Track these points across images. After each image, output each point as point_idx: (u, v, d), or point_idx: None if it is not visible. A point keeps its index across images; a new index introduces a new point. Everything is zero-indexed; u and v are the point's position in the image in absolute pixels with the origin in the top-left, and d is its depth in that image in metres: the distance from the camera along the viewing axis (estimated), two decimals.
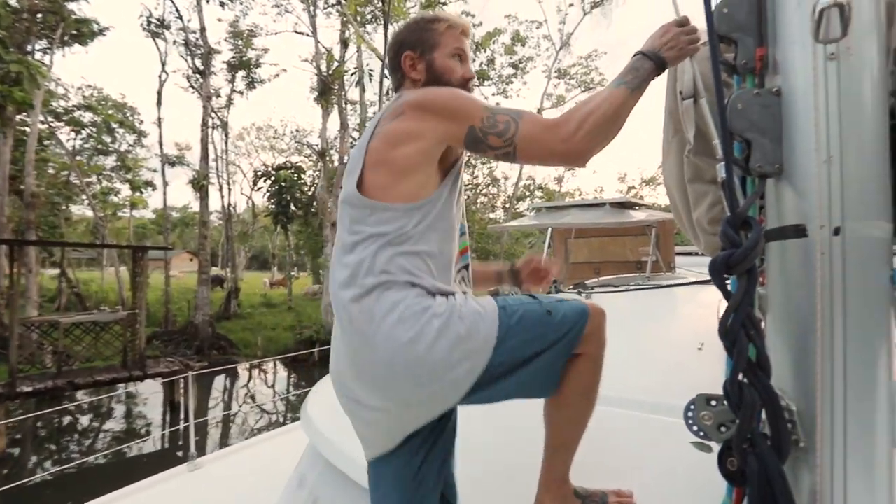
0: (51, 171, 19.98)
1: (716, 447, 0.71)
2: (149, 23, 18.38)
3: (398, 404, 0.93)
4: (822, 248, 0.63)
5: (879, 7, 0.67)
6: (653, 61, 0.95)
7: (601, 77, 23.18)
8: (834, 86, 0.64)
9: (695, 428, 0.73)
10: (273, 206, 20.37)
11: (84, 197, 20.43)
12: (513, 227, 8.15)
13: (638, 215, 5.19)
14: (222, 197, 27.22)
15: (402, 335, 0.88)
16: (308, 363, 14.57)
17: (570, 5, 21.34)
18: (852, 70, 0.64)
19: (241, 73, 21.20)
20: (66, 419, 10.47)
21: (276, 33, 21.89)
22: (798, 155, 0.67)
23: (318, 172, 19.95)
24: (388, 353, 0.88)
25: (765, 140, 0.69)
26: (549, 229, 5.65)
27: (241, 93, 21.78)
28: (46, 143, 18.92)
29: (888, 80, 0.67)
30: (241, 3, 18.73)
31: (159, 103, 19.03)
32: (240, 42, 20.12)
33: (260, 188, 20.95)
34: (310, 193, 20.45)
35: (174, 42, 18.85)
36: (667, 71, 1.09)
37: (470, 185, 23.85)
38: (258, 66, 20.99)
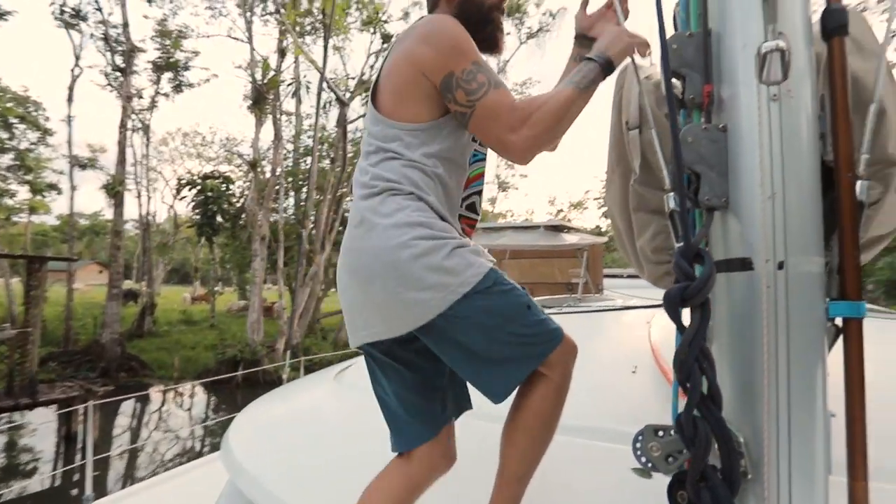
0: None
1: (657, 474, 0.70)
2: (62, 12, 16.91)
3: (363, 301, 0.97)
4: (768, 281, 0.64)
5: (812, 54, 0.72)
6: (597, 62, 0.99)
7: None
8: (777, 125, 0.67)
9: (643, 459, 0.72)
10: (198, 217, 19.22)
11: None
12: None
13: (570, 239, 5.39)
14: (140, 205, 25.27)
15: (394, 238, 0.92)
16: (231, 385, 13.64)
17: (507, 34, 22.22)
18: (792, 111, 0.67)
19: (167, 75, 20.03)
20: None
21: (208, 36, 20.99)
22: (743, 189, 0.69)
23: (248, 183, 19.09)
24: (374, 249, 0.93)
25: (713, 174, 0.71)
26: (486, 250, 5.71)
27: (166, 95, 20.54)
28: None
29: (817, 123, 0.72)
30: (170, 2, 17.78)
31: (70, 100, 17.49)
32: (167, 42, 19.03)
33: (184, 197, 19.72)
34: (238, 205, 19.52)
35: (91, 35, 17.48)
36: (612, 101, 1.13)
37: None
38: (187, 68, 19.94)
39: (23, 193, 22.15)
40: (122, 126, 16.09)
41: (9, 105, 19.50)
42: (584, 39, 1.19)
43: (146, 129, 21.20)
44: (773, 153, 0.66)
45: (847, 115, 0.70)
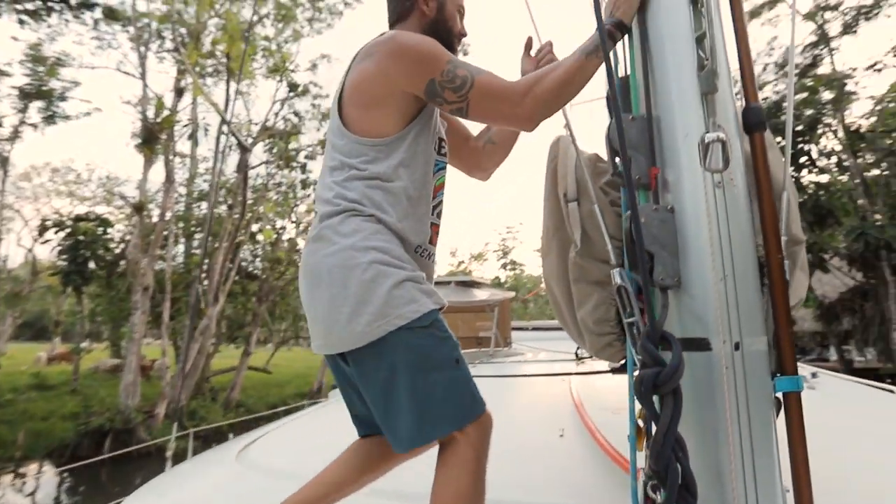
0: None
1: None
2: None
3: (311, 312, 0.99)
4: (726, 361, 0.65)
5: (743, 147, 0.78)
6: (607, 26, 0.94)
7: None
8: (723, 211, 0.70)
9: None
10: (65, 263, 16.85)
11: None
12: None
13: (481, 294, 5.48)
14: None
15: (349, 259, 0.94)
16: (96, 463, 11.60)
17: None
18: (735, 199, 0.71)
19: (38, 104, 17.94)
20: None
21: (93, 67, 19.24)
22: (693, 270, 0.71)
23: (131, 228, 17.30)
24: (328, 263, 0.96)
25: (665, 253, 0.72)
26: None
27: (34, 126, 18.30)
28: None
29: (751, 210, 0.77)
30: (48, 27, 16.19)
31: None
32: (41, 69, 17.17)
33: (48, 241, 17.27)
34: (117, 251, 17.51)
35: None
36: (546, 170, 1.15)
37: None
38: (63, 99, 18.03)
39: None
40: None
41: None
42: None
43: (4, 161, 18.61)
44: (722, 237, 0.69)
45: (772, 202, 0.77)
